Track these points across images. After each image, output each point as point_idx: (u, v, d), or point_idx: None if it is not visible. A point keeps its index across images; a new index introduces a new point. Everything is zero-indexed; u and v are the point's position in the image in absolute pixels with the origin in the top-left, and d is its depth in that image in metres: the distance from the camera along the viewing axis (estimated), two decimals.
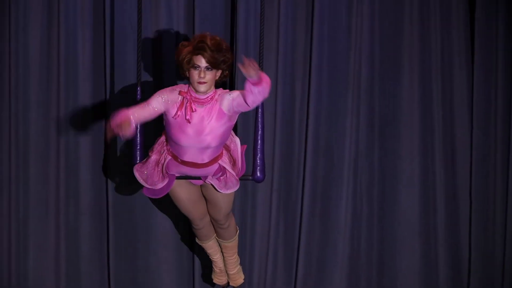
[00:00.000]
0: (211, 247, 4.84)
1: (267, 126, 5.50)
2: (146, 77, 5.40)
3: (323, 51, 5.54)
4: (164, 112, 4.24)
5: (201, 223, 4.70)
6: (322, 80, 5.56)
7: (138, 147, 4.57)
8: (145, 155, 4.52)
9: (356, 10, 5.55)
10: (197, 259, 5.53)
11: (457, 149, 5.69)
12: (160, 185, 4.44)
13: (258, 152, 4.61)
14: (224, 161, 4.39)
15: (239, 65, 3.94)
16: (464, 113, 5.67)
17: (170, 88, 4.28)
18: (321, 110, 5.57)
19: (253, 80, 4.01)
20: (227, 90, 4.28)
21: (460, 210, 5.70)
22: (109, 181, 5.44)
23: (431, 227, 5.68)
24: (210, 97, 4.23)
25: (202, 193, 4.63)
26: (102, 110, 5.39)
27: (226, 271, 4.94)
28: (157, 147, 4.46)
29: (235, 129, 5.28)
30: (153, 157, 4.44)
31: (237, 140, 4.47)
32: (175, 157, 4.35)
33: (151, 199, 5.11)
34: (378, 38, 5.60)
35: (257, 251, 5.56)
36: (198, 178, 4.46)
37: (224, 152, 4.41)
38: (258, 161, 4.61)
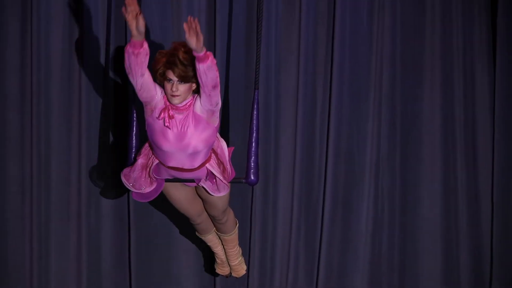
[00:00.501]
0: (211, 240, 4.87)
1: (288, 131, 5.51)
2: None
3: (344, 54, 5.55)
4: (150, 104, 4.20)
5: (198, 219, 4.72)
6: (344, 83, 5.56)
7: (133, 150, 4.59)
8: None
9: (378, 13, 5.55)
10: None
11: (479, 153, 5.68)
12: (148, 189, 4.45)
13: (252, 155, 4.59)
14: (212, 165, 4.36)
15: (184, 25, 3.87)
16: (486, 116, 5.66)
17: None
18: (342, 113, 5.57)
19: (197, 54, 3.95)
20: None
21: (482, 213, 5.69)
22: None
23: (452, 231, 5.66)
24: (188, 104, 4.20)
25: (197, 192, 4.63)
26: (124, 113, 5.40)
27: (228, 263, 4.96)
28: (144, 150, 4.43)
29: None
30: (140, 160, 4.42)
31: (224, 144, 4.44)
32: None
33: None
34: (399, 41, 5.60)
35: (278, 255, 5.55)
36: (191, 180, 4.44)
37: (212, 156, 4.38)
38: (252, 164, 4.58)
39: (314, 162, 5.57)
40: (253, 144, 4.58)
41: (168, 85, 4.15)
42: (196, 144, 4.22)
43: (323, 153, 5.57)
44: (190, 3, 5.39)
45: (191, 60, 4.06)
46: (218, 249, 4.93)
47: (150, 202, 5.41)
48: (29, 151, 5.40)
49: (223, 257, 4.97)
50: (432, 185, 5.63)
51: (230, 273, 5.02)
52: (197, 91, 4.21)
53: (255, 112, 4.58)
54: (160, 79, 4.18)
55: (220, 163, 4.41)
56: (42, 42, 5.36)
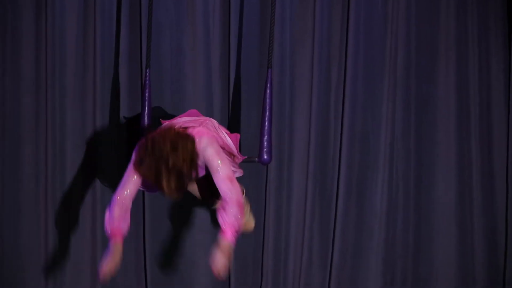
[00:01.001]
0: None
1: (302, 113, 5.52)
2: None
3: (359, 37, 5.55)
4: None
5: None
6: (358, 66, 5.56)
7: (146, 111, 4.58)
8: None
9: None
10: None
11: (494, 134, 5.66)
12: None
13: (265, 133, 4.56)
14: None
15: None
16: (501, 97, 5.65)
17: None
18: (357, 96, 5.57)
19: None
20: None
21: (497, 195, 5.67)
22: None
23: (467, 213, 5.65)
24: None
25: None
26: (137, 95, 5.42)
27: None
28: None
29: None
30: None
31: (225, 135, 4.30)
32: None
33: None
34: (414, 24, 5.59)
35: (292, 236, 5.55)
36: None
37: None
38: (265, 143, 4.56)
39: (329, 144, 5.57)
40: (266, 123, 4.56)
41: None
42: None
43: (338, 135, 5.57)
44: None
45: (178, 182, 3.88)
46: None
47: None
48: (44, 135, 5.42)
49: None
50: (446, 167, 5.62)
51: None
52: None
53: (268, 91, 4.57)
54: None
55: (228, 153, 4.36)
56: (57, 26, 5.39)
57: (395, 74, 5.59)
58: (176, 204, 5.47)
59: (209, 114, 5.28)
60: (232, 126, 5.41)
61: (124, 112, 5.44)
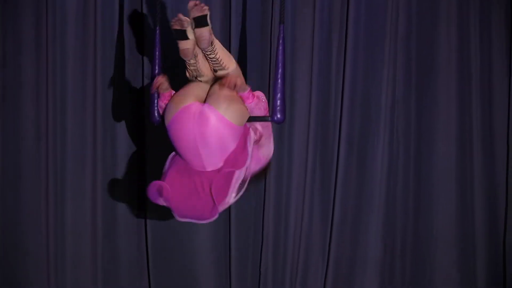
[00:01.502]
0: None
1: (303, 77, 5.51)
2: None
3: (360, 1, 5.54)
4: None
5: None
6: (359, 30, 5.53)
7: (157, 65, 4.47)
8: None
9: None
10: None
11: (494, 94, 5.66)
12: None
13: (278, 91, 4.26)
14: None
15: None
16: (502, 57, 5.63)
17: None
18: (357, 60, 5.55)
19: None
20: None
21: (497, 155, 5.68)
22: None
23: (467, 173, 5.66)
24: None
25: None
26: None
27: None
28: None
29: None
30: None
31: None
32: None
33: None
34: None
35: (293, 198, 5.56)
36: None
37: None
38: (278, 101, 4.25)
39: (330, 107, 5.57)
40: (279, 80, 4.28)
41: None
42: None
43: (339, 98, 5.56)
44: None
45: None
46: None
47: None
48: (45, 96, 5.42)
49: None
50: (447, 128, 5.62)
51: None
52: None
53: (280, 47, 4.30)
54: None
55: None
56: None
57: (396, 37, 5.58)
58: None
59: None
60: None
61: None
